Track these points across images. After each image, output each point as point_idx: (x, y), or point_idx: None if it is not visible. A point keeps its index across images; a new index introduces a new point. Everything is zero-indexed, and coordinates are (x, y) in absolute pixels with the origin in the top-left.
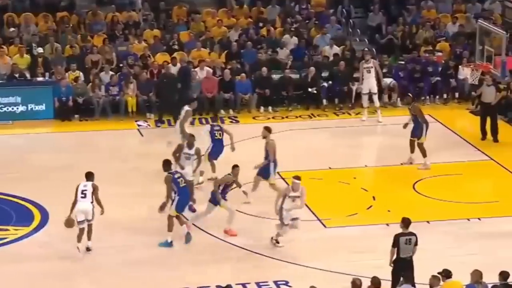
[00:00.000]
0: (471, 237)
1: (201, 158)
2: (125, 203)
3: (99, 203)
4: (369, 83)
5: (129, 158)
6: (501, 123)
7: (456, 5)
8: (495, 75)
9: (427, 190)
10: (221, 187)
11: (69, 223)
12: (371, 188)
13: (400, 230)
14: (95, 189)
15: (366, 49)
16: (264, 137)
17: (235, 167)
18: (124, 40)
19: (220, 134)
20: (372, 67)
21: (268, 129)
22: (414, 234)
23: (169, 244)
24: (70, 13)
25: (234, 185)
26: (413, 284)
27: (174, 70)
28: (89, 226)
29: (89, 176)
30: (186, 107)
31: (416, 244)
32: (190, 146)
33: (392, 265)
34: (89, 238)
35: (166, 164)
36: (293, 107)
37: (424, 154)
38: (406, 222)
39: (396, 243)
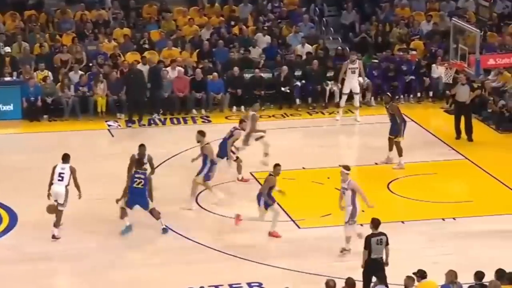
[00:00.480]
0: (446, 237)
1: (153, 165)
2: (94, 205)
3: (77, 186)
4: (352, 83)
5: (100, 159)
6: (475, 122)
7: (430, 3)
8: (469, 73)
9: (402, 190)
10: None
11: (50, 209)
12: None
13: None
14: (73, 172)
15: (339, 47)
16: (199, 141)
17: (277, 166)
18: (93, 39)
19: None
20: (357, 68)
21: (202, 133)
22: (384, 234)
23: (128, 228)
24: (38, 12)
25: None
26: (386, 285)
27: (144, 70)
28: (59, 212)
29: (66, 158)
30: (251, 112)
31: (387, 244)
32: (142, 156)
33: (363, 266)
34: (56, 225)
35: (138, 162)
36: (266, 106)
37: (400, 153)
38: (375, 223)
39: (367, 244)
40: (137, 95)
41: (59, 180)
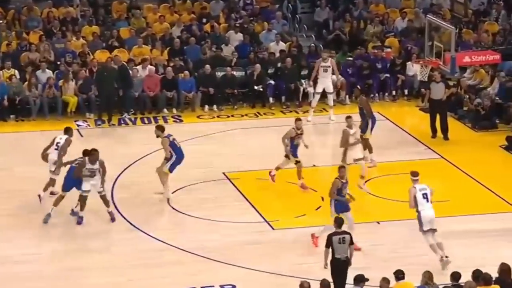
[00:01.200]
0: (422, 238)
1: (105, 169)
2: (63, 206)
3: (59, 155)
4: (325, 82)
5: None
6: (451, 120)
7: (404, 0)
8: (445, 71)
9: (377, 190)
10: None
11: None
12: (320, 188)
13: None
14: (66, 142)
15: (313, 44)
16: (158, 136)
17: (342, 168)
18: (61, 37)
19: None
20: (329, 66)
21: (159, 128)
22: (347, 233)
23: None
24: (4, 9)
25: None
26: (343, 286)
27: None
28: (51, 179)
29: (68, 131)
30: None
31: (351, 243)
32: (93, 162)
33: (326, 267)
34: (44, 189)
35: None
36: (238, 105)
37: (370, 150)
38: (338, 222)
39: (329, 242)
40: (108, 93)
41: (55, 149)
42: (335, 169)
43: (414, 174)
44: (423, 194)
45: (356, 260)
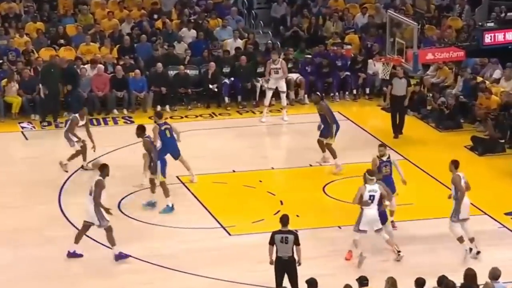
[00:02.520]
0: (385, 243)
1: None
2: (8, 212)
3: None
4: (277, 82)
5: (13, 163)
6: (414, 120)
7: None
8: (407, 69)
9: (338, 193)
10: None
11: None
12: (279, 191)
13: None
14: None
15: (270, 41)
16: (139, 136)
17: (380, 146)
18: (3, 34)
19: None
20: (280, 68)
21: (141, 128)
22: (292, 233)
23: (171, 209)
24: None
25: None
26: (296, 286)
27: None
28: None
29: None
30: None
31: (296, 244)
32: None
33: (272, 263)
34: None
35: (140, 129)
36: (192, 105)
37: (334, 156)
38: (283, 220)
39: (272, 240)
40: (53, 93)
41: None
42: (292, 171)
43: (370, 173)
44: (370, 196)
45: (320, 266)
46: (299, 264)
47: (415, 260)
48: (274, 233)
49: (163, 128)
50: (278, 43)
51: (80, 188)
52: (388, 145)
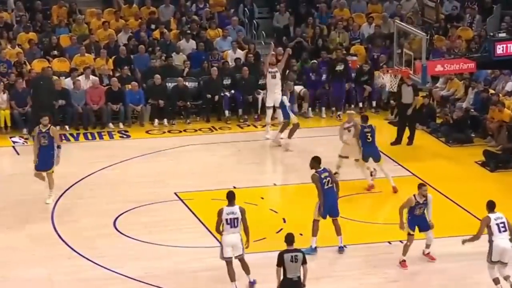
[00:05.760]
0: (391, 262)
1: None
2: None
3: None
4: (274, 96)
5: (3, 180)
6: (423, 134)
7: (371, 4)
8: (416, 81)
9: (343, 210)
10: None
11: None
12: (281, 209)
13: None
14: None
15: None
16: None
17: (422, 186)
18: None
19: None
20: (277, 71)
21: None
22: (300, 251)
23: (313, 250)
24: None
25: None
26: None
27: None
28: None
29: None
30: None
31: (304, 262)
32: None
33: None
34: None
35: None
36: (191, 119)
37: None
38: (289, 238)
39: (281, 261)
40: (42, 106)
41: None
42: (295, 188)
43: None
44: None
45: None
46: (304, 285)
47: (422, 281)
48: (282, 253)
49: (322, 176)
50: (281, 49)
51: (73, 204)
52: (397, 161)
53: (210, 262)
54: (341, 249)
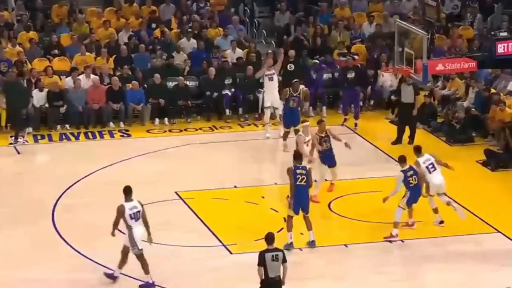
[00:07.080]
0: (395, 262)
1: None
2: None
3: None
4: (272, 96)
5: (4, 179)
6: (424, 133)
7: (372, 3)
8: (417, 80)
9: (345, 210)
10: None
11: None
12: (282, 208)
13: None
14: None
15: (271, 51)
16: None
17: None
18: None
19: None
20: (274, 73)
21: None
22: (280, 250)
23: (290, 245)
24: None
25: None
26: None
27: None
28: None
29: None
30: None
31: (284, 261)
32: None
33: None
34: None
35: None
36: (192, 118)
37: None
38: (270, 238)
39: (261, 260)
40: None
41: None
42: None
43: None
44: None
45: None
46: (283, 284)
47: (427, 279)
48: (263, 253)
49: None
50: (282, 49)
51: (75, 205)
52: (396, 160)
53: (211, 261)
54: (312, 243)
